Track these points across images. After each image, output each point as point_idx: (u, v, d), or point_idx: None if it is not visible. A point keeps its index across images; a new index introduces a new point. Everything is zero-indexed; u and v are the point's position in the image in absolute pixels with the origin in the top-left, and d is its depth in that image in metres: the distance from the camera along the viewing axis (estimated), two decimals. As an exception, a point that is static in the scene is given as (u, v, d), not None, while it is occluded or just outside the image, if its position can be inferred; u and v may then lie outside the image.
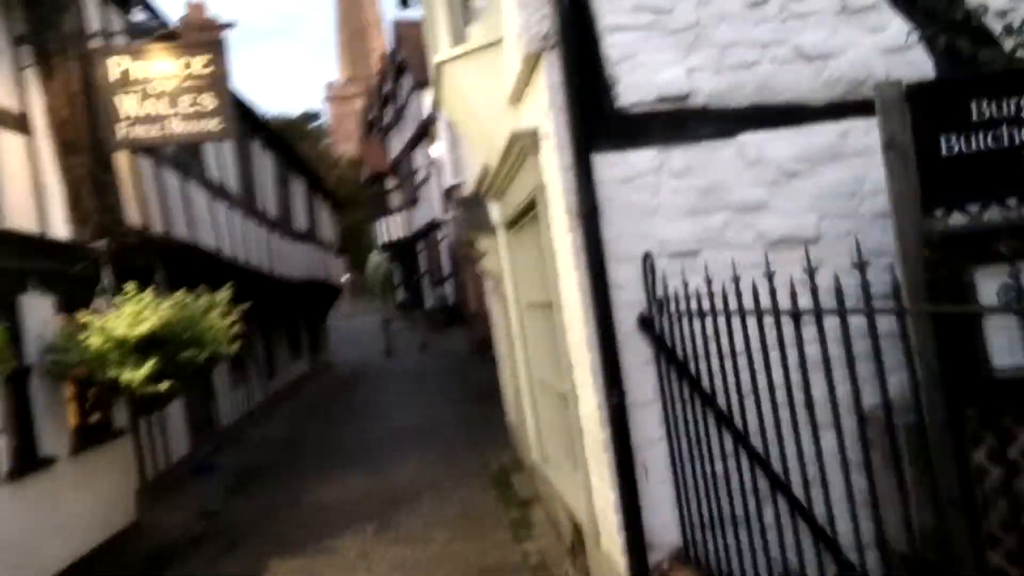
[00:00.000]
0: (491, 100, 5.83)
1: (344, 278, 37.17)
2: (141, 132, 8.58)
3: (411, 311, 41.44)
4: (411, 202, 38.30)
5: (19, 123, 7.94)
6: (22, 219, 7.62)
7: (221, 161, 14.62)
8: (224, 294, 8.34)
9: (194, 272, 9.96)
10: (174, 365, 7.15)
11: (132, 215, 9.33)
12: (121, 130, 8.55)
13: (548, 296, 5.74)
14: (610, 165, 4.47)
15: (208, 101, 8.67)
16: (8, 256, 7.24)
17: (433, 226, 34.34)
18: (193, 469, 11.99)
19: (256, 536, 8.70)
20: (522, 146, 5.20)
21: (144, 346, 6.92)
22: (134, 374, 6.85)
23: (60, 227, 8.28)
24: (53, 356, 7.26)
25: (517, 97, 5.49)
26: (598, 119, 4.47)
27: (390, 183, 42.15)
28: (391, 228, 42.31)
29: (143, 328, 6.84)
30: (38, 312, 7.48)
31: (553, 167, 4.81)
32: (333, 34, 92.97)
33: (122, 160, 9.30)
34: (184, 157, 12.10)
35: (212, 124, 8.69)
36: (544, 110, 4.72)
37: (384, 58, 41.78)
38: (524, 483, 8.83)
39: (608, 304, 4.38)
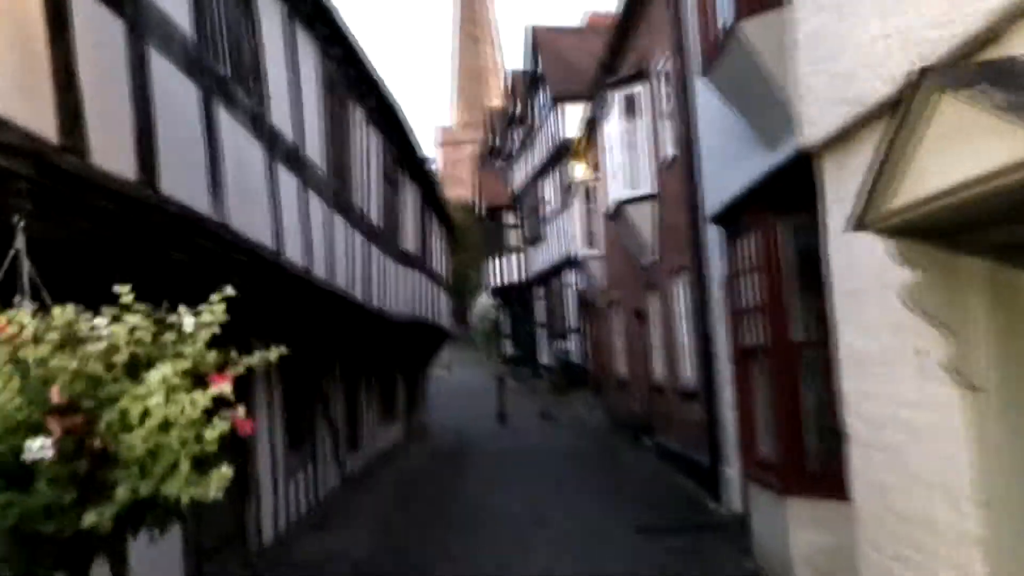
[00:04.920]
0: None
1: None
2: None
3: (520, 367, 35.69)
4: (533, 240, 32.87)
5: None
6: None
7: (298, 107, 9.02)
8: (215, 312, 2.72)
9: (209, 278, 4.44)
10: None
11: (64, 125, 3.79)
12: None
13: None
14: None
15: None
16: None
17: (561, 267, 28.67)
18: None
19: None
20: None
21: None
22: None
23: None
24: None
25: None
26: None
27: (508, 219, 36.87)
28: (502, 271, 37.13)
29: None
30: None
31: None
32: (449, 83, 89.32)
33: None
34: (212, 59, 6.61)
35: None
36: None
37: (512, 77, 36.69)
38: None
39: None
